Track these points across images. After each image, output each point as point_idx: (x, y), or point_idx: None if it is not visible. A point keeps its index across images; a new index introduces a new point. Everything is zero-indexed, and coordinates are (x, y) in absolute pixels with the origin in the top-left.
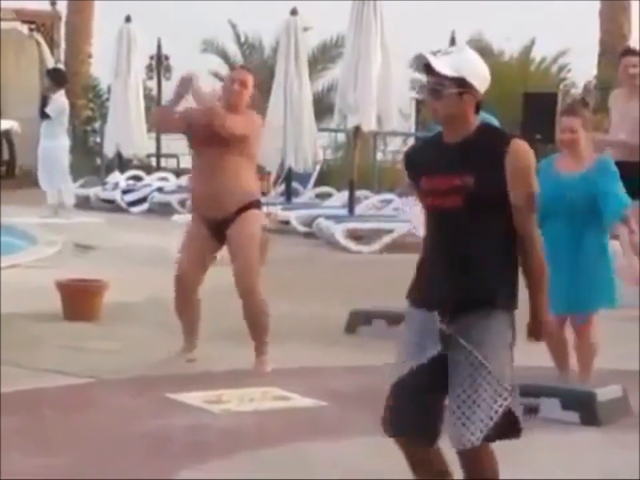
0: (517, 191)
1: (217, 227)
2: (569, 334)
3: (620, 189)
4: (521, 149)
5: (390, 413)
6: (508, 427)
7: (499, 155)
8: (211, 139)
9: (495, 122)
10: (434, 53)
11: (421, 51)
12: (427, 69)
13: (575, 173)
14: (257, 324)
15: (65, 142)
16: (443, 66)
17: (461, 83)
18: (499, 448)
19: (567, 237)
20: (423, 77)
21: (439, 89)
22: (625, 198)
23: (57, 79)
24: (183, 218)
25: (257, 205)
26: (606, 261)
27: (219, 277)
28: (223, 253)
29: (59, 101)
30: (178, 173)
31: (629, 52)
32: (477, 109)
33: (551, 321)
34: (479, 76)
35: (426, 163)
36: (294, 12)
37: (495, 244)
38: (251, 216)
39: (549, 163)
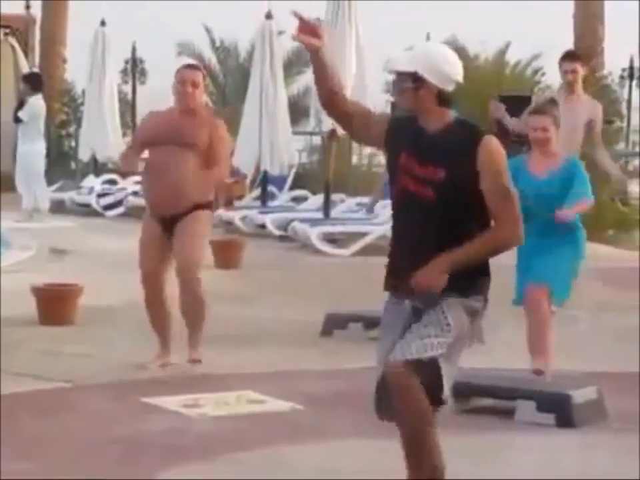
0: (489, 184)
1: (169, 224)
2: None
3: (588, 192)
4: (493, 142)
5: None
6: (432, 375)
7: (471, 149)
8: (165, 140)
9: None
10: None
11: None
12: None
13: (546, 172)
14: (194, 321)
15: (41, 146)
16: (400, 62)
17: (415, 78)
18: (476, 449)
19: (536, 235)
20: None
21: (399, 85)
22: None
23: (33, 83)
24: None
25: (209, 205)
26: (572, 257)
27: None
28: None
29: (35, 105)
30: None
31: (569, 56)
32: (446, 103)
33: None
34: (435, 70)
35: (406, 140)
36: (269, 16)
37: (462, 236)
38: (200, 214)
39: (519, 162)
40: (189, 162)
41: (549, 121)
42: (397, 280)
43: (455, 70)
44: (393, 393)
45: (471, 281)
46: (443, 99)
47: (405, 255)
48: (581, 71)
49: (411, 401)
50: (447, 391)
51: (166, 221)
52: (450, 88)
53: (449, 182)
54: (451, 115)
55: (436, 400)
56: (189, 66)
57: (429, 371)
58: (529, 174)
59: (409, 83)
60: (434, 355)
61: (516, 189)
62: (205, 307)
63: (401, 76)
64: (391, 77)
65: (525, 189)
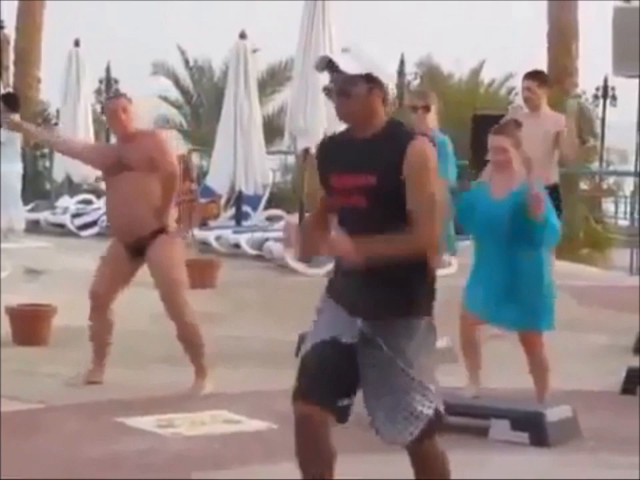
0: (413, 190)
1: (134, 249)
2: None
3: (552, 216)
4: (421, 144)
5: (302, 378)
6: (437, 423)
7: (399, 154)
8: (118, 166)
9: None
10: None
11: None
12: (331, 68)
13: (504, 193)
14: (189, 345)
15: (18, 166)
16: (349, 65)
17: (368, 79)
18: (450, 468)
19: (501, 258)
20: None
21: (348, 89)
22: (557, 227)
23: (10, 103)
24: None
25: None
26: (542, 281)
27: None
28: None
29: None
30: None
31: (529, 75)
32: (385, 101)
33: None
34: (384, 72)
35: (335, 160)
36: (243, 35)
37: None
38: (167, 239)
39: (482, 190)
40: (140, 185)
41: (508, 142)
42: (341, 297)
43: (391, 68)
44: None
45: (432, 300)
46: (385, 100)
47: (350, 272)
48: (537, 89)
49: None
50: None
51: (130, 246)
52: (390, 86)
53: (380, 187)
54: (386, 117)
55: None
56: (112, 97)
57: (433, 426)
58: (490, 198)
59: (361, 86)
60: (431, 415)
61: (477, 212)
62: (197, 341)
63: (348, 79)
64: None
65: (485, 214)
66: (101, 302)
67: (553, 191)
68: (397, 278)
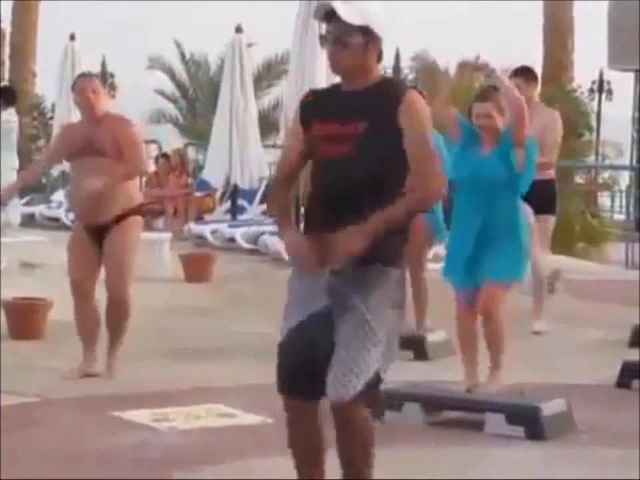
0: (412, 137)
1: (97, 233)
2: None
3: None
4: (416, 96)
5: (280, 372)
6: (373, 395)
7: (394, 103)
8: (81, 152)
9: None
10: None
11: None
12: (329, 17)
13: (490, 150)
14: (114, 323)
15: (13, 160)
16: (349, 13)
17: (365, 32)
18: (446, 462)
19: (479, 207)
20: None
21: (344, 39)
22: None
23: (7, 97)
24: None
25: (137, 211)
26: (518, 229)
27: (161, 296)
28: None
29: (7, 119)
30: None
31: (517, 72)
32: (379, 58)
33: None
34: (382, 26)
35: (321, 109)
36: (239, 29)
37: (385, 198)
38: (130, 223)
39: (470, 128)
40: (106, 170)
41: (490, 107)
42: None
43: (389, 23)
44: (344, 434)
45: (390, 248)
46: (380, 55)
47: (326, 217)
48: (526, 86)
49: (362, 440)
50: (382, 392)
51: (93, 230)
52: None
53: (370, 135)
54: (379, 72)
55: (374, 402)
56: (84, 75)
57: (371, 391)
58: (477, 154)
59: (357, 37)
60: (372, 375)
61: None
62: (125, 324)
63: (348, 29)
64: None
65: (471, 167)
66: (83, 289)
67: (549, 186)
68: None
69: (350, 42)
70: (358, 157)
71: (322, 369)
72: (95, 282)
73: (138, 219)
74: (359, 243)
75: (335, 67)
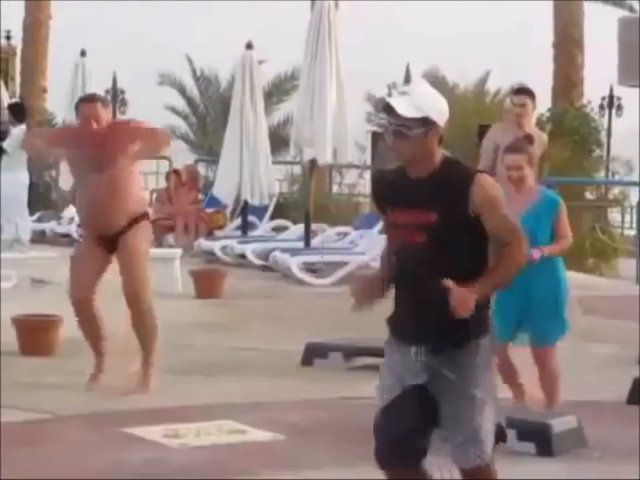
0: (491, 216)
1: (109, 241)
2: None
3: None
4: (487, 180)
5: (376, 444)
6: (499, 437)
7: (464, 190)
8: (94, 159)
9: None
10: (390, 90)
11: (382, 92)
12: (388, 109)
13: (522, 209)
14: (144, 331)
15: (24, 177)
16: (407, 108)
17: (425, 122)
18: (456, 477)
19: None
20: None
21: (405, 132)
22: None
23: (17, 113)
24: None
25: (145, 216)
26: (557, 299)
27: (172, 312)
28: None
29: (19, 135)
30: None
31: (524, 91)
32: (440, 141)
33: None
34: (440, 110)
35: (392, 194)
36: (249, 46)
37: (463, 275)
38: (141, 229)
39: None
40: (116, 179)
41: (523, 159)
42: (403, 329)
43: (447, 106)
44: None
45: (478, 319)
46: (441, 138)
47: (407, 304)
48: (530, 105)
49: None
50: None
51: (105, 239)
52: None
53: (441, 225)
54: (442, 155)
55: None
56: (88, 99)
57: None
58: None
59: (417, 129)
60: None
61: None
62: (155, 329)
63: (404, 121)
64: (372, 109)
65: None
66: (84, 305)
67: None
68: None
69: (410, 134)
70: (433, 246)
71: (420, 440)
72: (95, 293)
73: (146, 224)
74: (472, 303)
75: (399, 157)
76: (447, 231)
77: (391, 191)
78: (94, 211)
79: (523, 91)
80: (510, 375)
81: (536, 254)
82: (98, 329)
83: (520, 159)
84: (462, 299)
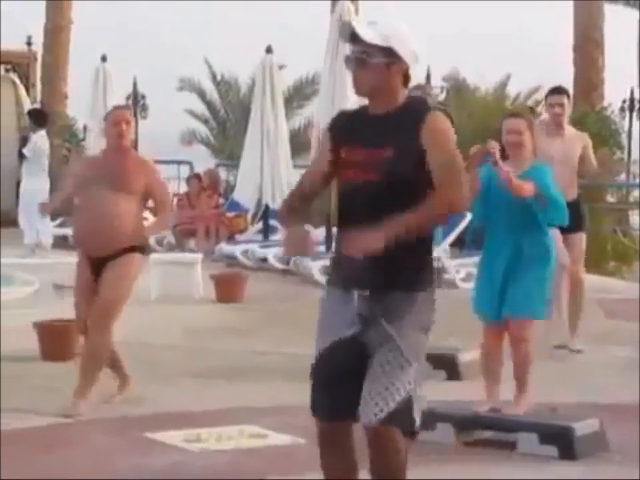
0: (436, 153)
1: (99, 265)
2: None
3: (551, 192)
4: (439, 115)
5: (312, 393)
6: (405, 416)
7: (416, 125)
8: (99, 180)
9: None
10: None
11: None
12: (354, 38)
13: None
14: (85, 366)
15: (44, 182)
16: (371, 35)
17: (389, 53)
18: None
19: (504, 240)
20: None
21: (366, 58)
22: (562, 204)
23: (37, 119)
24: (161, 257)
25: (141, 249)
26: (542, 268)
27: (193, 317)
28: None
29: (39, 141)
30: None
31: (561, 90)
32: (406, 81)
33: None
34: (407, 48)
35: (349, 133)
36: (269, 50)
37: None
38: (130, 260)
39: (490, 169)
40: (122, 202)
41: (523, 124)
42: (342, 273)
43: (418, 48)
44: (375, 455)
45: (416, 272)
46: (406, 77)
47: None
48: (567, 104)
49: (393, 462)
50: (418, 422)
51: (95, 262)
52: (413, 67)
53: (395, 162)
54: (405, 94)
55: (409, 434)
56: (118, 107)
57: (402, 412)
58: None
59: (378, 57)
60: (403, 397)
61: (487, 198)
62: (98, 368)
63: (370, 49)
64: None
65: (496, 196)
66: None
67: (573, 207)
68: (401, 251)
69: (370, 62)
70: (383, 184)
71: (353, 392)
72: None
73: (141, 257)
74: (379, 241)
75: (357, 87)
76: (401, 168)
77: (348, 130)
78: (86, 231)
79: (561, 91)
80: (491, 367)
81: (503, 173)
82: (112, 355)
83: (520, 123)
84: (353, 238)
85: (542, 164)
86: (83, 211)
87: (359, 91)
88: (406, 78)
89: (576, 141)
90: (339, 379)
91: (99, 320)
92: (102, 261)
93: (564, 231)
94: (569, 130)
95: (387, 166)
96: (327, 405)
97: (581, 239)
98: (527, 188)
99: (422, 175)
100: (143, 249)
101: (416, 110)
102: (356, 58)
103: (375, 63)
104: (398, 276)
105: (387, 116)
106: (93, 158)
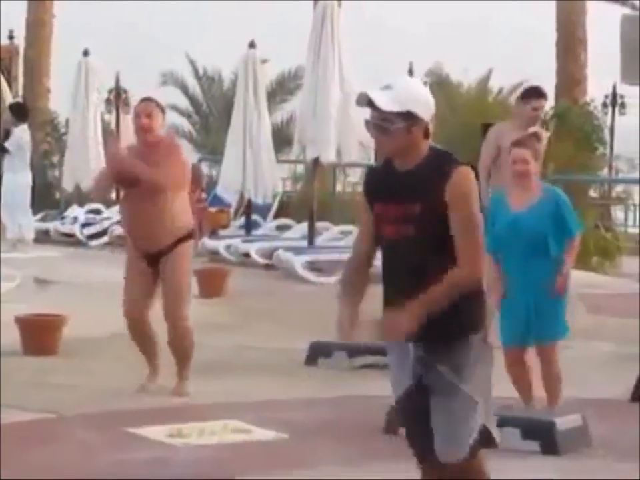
0: (455, 215)
1: (153, 259)
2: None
3: (572, 220)
4: (464, 174)
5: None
6: (486, 441)
7: (442, 181)
8: (136, 183)
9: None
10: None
11: (365, 89)
12: (372, 104)
13: (526, 205)
14: (180, 349)
15: (26, 177)
16: (387, 102)
17: (408, 117)
18: None
19: (522, 271)
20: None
21: (386, 125)
22: (573, 229)
23: (19, 113)
24: None
25: (189, 236)
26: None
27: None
28: None
29: (21, 135)
30: None
31: (541, 94)
32: (427, 135)
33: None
34: (424, 104)
35: (380, 189)
36: (252, 45)
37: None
38: (184, 249)
39: (499, 197)
40: (166, 197)
41: (529, 154)
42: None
43: (432, 100)
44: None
45: (469, 317)
46: (427, 132)
47: (399, 297)
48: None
49: None
50: (497, 436)
51: (150, 256)
52: (431, 120)
53: (426, 215)
54: (429, 146)
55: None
56: (143, 99)
57: (481, 442)
58: (510, 209)
59: (398, 123)
60: (479, 431)
61: (495, 226)
62: (192, 346)
63: (385, 115)
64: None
65: (505, 224)
66: (137, 319)
67: None
68: (450, 301)
69: (391, 128)
70: (419, 238)
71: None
72: (150, 310)
73: (190, 244)
74: (411, 323)
75: (380, 151)
76: (431, 222)
77: (380, 186)
78: (135, 229)
79: (541, 95)
80: (521, 380)
81: (561, 285)
82: (151, 347)
83: (526, 153)
84: (392, 324)
85: (556, 190)
86: (128, 209)
87: (383, 154)
88: (426, 132)
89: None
90: (414, 424)
91: (173, 313)
92: (156, 254)
93: None
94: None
95: (418, 220)
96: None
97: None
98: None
99: (449, 229)
100: (190, 235)
101: (441, 165)
102: (375, 124)
103: (394, 129)
104: (452, 325)
105: (413, 171)
106: (131, 149)
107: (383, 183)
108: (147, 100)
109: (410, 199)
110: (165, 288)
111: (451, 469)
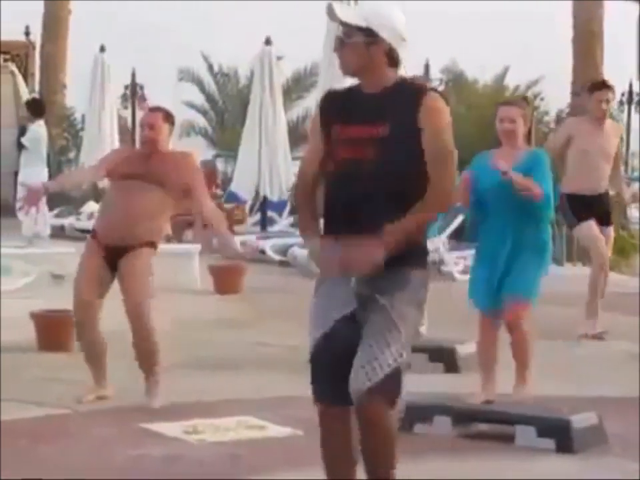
0: (431, 140)
1: (113, 255)
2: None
3: (548, 186)
4: (437, 96)
5: (312, 377)
6: (392, 387)
7: (414, 104)
8: (133, 175)
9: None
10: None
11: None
12: (342, 20)
13: (510, 164)
14: (142, 351)
15: (43, 172)
16: (349, 15)
17: (368, 33)
18: (476, 474)
19: (504, 232)
20: None
21: (345, 39)
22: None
23: (35, 109)
24: (159, 248)
25: (154, 245)
26: (539, 258)
27: (191, 308)
28: None
29: (37, 131)
30: None
31: (609, 86)
32: (392, 62)
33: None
34: (389, 28)
35: (342, 112)
36: (268, 42)
37: (405, 203)
38: (144, 253)
39: (484, 157)
40: (152, 198)
41: (516, 112)
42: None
43: (405, 28)
44: (363, 427)
45: (412, 252)
46: (392, 58)
47: (345, 221)
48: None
49: (380, 435)
50: (403, 394)
51: (110, 251)
52: (400, 47)
53: (390, 139)
54: (397, 75)
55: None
56: (151, 109)
57: (391, 382)
58: (491, 168)
59: (357, 37)
60: (394, 367)
61: (480, 186)
62: (156, 353)
63: (349, 29)
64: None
65: (487, 183)
66: (89, 313)
67: (607, 199)
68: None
69: (349, 42)
70: (379, 162)
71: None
72: (100, 305)
73: (152, 251)
74: (379, 255)
75: (342, 67)
76: (397, 145)
77: (340, 109)
78: (110, 220)
79: (606, 86)
80: (487, 356)
81: (502, 165)
82: (98, 337)
83: (514, 111)
84: (365, 252)
85: (540, 151)
86: (111, 199)
87: (342, 70)
88: (391, 58)
89: (613, 134)
90: (338, 362)
91: (136, 329)
92: (116, 251)
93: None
94: (608, 123)
95: (382, 143)
96: (328, 389)
97: (612, 230)
98: (537, 192)
99: (418, 156)
100: (155, 245)
101: (413, 88)
102: (336, 37)
103: (352, 42)
104: (394, 256)
105: (381, 94)
106: (125, 152)
107: (345, 104)
108: (155, 110)
109: (378, 120)
110: (123, 293)
111: (357, 404)
